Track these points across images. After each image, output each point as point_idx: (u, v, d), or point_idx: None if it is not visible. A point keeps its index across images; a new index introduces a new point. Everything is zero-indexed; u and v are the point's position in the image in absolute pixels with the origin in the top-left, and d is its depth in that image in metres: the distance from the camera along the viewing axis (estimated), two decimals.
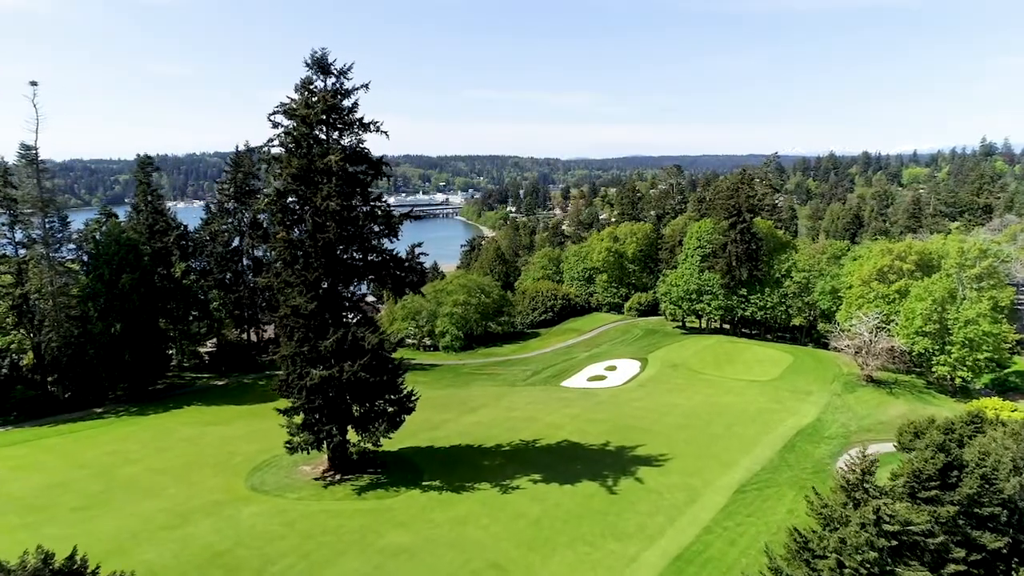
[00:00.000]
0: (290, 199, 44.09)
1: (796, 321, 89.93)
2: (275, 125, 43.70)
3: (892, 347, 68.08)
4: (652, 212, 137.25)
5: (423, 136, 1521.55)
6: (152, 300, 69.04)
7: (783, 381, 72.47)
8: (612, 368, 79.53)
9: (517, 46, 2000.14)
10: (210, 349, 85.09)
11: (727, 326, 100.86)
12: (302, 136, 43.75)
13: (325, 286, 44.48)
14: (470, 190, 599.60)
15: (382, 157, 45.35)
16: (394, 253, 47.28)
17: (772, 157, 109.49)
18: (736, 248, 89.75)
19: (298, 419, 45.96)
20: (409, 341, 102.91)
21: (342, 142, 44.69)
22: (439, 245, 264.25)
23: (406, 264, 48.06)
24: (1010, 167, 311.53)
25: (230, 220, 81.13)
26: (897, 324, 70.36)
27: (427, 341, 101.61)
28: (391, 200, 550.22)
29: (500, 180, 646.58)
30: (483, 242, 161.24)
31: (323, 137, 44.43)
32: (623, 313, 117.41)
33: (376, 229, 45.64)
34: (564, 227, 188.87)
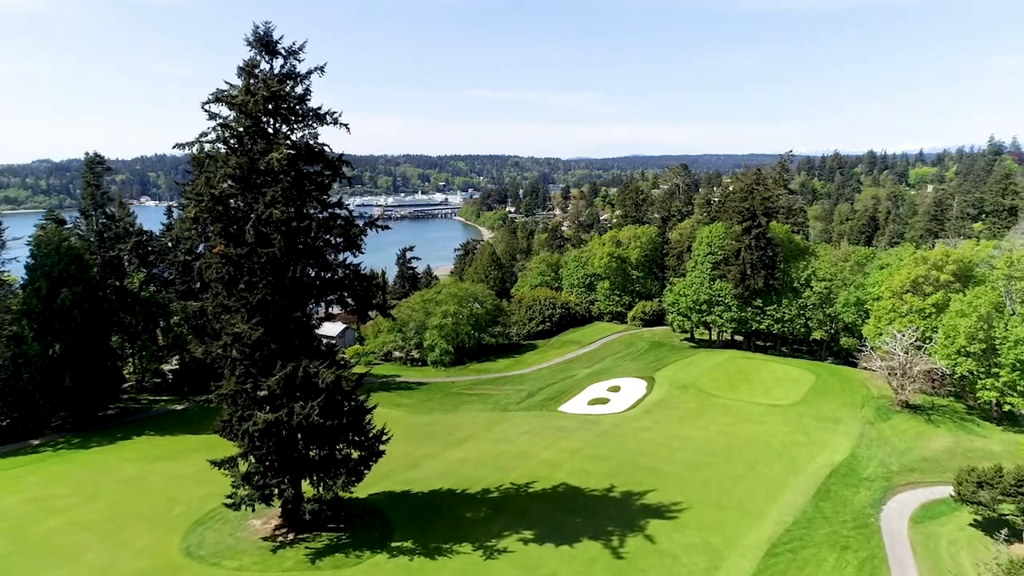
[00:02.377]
0: (231, 205, 36.52)
1: (816, 335, 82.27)
2: (211, 116, 36.14)
3: (931, 369, 60.42)
4: (656, 215, 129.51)
5: (423, 135, 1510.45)
6: (100, 316, 61.49)
7: (807, 406, 64.83)
8: (615, 389, 71.90)
9: (518, 45, 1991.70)
10: (175, 367, 77.56)
11: (739, 337, 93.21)
12: (245, 129, 36.22)
13: (274, 310, 36.89)
14: (470, 190, 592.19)
15: (341, 155, 37.77)
16: (357, 268, 39.68)
17: (786, 156, 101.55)
18: (751, 255, 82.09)
19: (242, 467, 38.54)
20: (396, 355, 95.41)
21: (292, 137, 37.16)
22: (436, 246, 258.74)
23: (373, 282, 40.49)
24: (1020, 166, 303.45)
25: (195, 224, 73.31)
26: (935, 343, 62.66)
27: (415, 354, 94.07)
28: (389, 200, 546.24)
29: (500, 180, 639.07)
30: (478, 246, 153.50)
31: (271, 131, 36.92)
32: (626, 323, 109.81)
33: (334, 241, 38.08)
34: (564, 229, 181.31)
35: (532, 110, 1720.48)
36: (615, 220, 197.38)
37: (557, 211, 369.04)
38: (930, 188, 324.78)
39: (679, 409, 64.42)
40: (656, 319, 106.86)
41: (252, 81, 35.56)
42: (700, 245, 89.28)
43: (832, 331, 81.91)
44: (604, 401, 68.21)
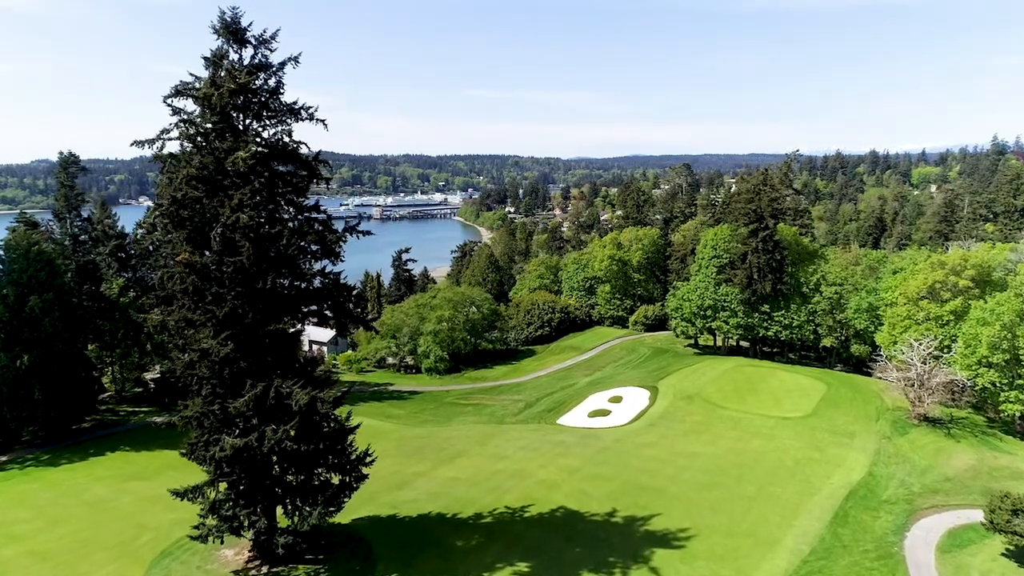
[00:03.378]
0: (196, 209, 33.23)
1: (826, 342, 78.95)
2: (174, 111, 32.90)
3: (952, 380, 57.15)
4: (658, 216, 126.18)
5: (423, 135, 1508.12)
6: (72, 324, 58.23)
7: (819, 418, 61.53)
8: (617, 400, 68.62)
9: (517, 45, 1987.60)
10: (157, 375, 74.28)
11: (744, 343, 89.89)
12: (214, 126, 32.95)
13: (244, 324, 33.61)
14: (469, 190, 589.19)
15: (318, 153, 34.51)
16: (337, 277, 36.38)
17: (792, 155, 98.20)
18: (758, 258, 78.82)
19: (210, 495, 35.27)
20: (390, 361, 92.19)
21: (263, 134, 33.91)
22: (434, 247, 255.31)
23: (354, 292, 37.21)
24: None
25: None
26: (955, 352, 59.39)
27: (409, 360, 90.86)
28: (388, 200, 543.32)
29: (500, 180, 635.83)
30: (475, 247, 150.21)
31: (240, 128, 33.67)
32: (627, 327, 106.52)
33: (312, 248, 34.80)
34: (564, 230, 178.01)
35: (532, 110, 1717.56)
36: (615, 220, 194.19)
37: (557, 211, 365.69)
38: (934, 188, 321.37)
39: (684, 422, 61.13)
40: (658, 324, 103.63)
41: (218, 73, 32.30)
42: (705, 248, 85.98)
43: (843, 338, 78.61)
44: (605, 413, 64.94)
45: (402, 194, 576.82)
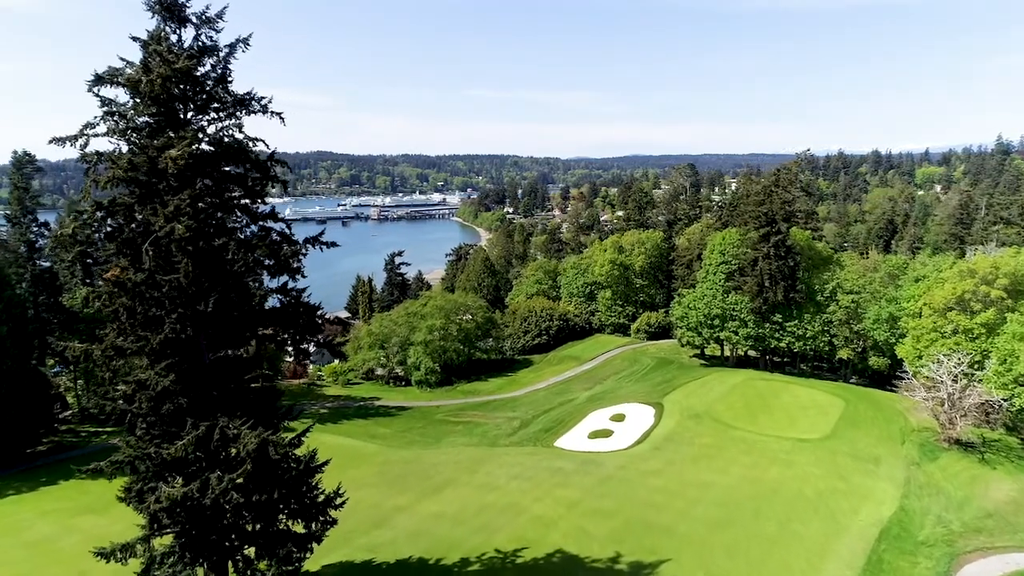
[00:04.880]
0: (129, 217, 28.28)
1: (842, 354, 73.98)
2: (103, 102, 27.92)
3: (986, 401, 52.27)
4: (661, 218, 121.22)
5: (422, 135, 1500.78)
6: (24, 338, 53.23)
7: (839, 440, 56.62)
8: (619, 418, 63.68)
9: (517, 45, 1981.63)
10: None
11: (753, 353, 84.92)
12: (150, 118, 27.98)
13: (186, 352, 28.63)
14: (468, 190, 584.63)
15: (273, 152, 29.52)
16: (299, 295, 31.36)
17: (803, 154, 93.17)
18: (769, 265, 73.87)
19: (142, 552, 30.26)
20: (379, 372, 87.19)
21: (209, 129, 28.94)
22: (432, 248, 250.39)
23: (317, 312, 32.19)
24: None
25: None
26: (988, 369, 54.48)
27: (399, 371, 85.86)
28: (386, 200, 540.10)
29: (499, 180, 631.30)
30: (471, 250, 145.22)
31: (184, 122, 28.69)
32: (629, 335, 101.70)
33: (268, 263, 29.81)
34: (563, 232, 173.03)
35: (531, 109, 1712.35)
36: (615, 221, 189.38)
37: (556, 212, 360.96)
38: (938, 188, 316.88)
39: (693, 445, 56.16)
40: (662, 332, 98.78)
41: (152, 56, 27.32)
42: (712, 253, 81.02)
43: (860, 350, 73.67)
44: (607, 434, 59.98)
45: (400, 194, 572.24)
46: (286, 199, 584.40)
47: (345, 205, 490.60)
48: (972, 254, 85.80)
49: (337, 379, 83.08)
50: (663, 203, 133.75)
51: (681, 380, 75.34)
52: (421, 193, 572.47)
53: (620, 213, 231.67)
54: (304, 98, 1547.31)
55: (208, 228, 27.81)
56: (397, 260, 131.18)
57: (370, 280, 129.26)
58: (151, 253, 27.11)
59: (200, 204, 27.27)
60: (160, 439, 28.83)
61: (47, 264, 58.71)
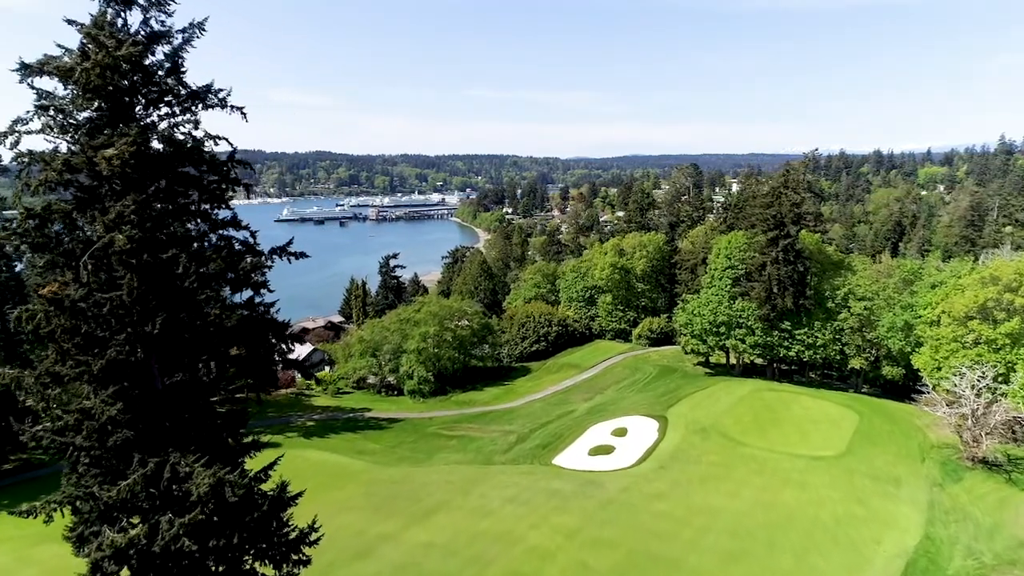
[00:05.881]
0: (67, 225, 24.95)
1: (855, 363, 70.64)
2: (39, 95, 24.57)
3: (1013, 418, 48.96)
4: (663, 219, 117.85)
5: (421, 135, 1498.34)
6: None
7: (856, 458, 53.26)
8: (621, 432, 60.33)
9: (517, 45, 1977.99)
10: None
11: (760, 361, 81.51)
12: (93, 113, 24.62)
13: (133, 378, 25.29)
14: (467, 190, 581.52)
15: (233, 151, 26.11)
16: (265, 310, 27.98)
17: (811, 154, 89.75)
18: (778, 270, 70.56)
19: None
20: (371, 381, 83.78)
21: (161, 126, 25.58)
22: (429, 249, 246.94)
23: (286, 330, 28.82)
24: None
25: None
26: (1015, 383, 51.20)
27: (391, 380, 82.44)
28: (385, 200, 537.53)
29: (498, 180, 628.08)
30: (468, 253, 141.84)
31: (134, 117, 25.34)
32: (630, 341, 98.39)
33: (230, 276, 26.45)
34: (562, 233, 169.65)
35: (531, 109, 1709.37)
36: (615, 221, 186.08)
37: (556, 212, 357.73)
38: (941, 188, 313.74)
39: (700, 464, 52.80)
40: (664, 338, 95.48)
41: (90, 41, 23.97)
42: (718, 257, 77.67)
43: (872, 359, 70.34)
44: (608, 450, 56.61)
45: (399, 194, 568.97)
46: (284, 199, 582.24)
47: (343, 205, 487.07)
48: (987, 258, 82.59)
49: (327, 388, 79.73)
50: (665, 204, 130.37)
51: (685, 390, 71.97)
52: (420, 193, 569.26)
53: (620, 213, 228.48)
54: (304, 98, 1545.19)
55: (157, 238, 24.43)
56: (392, 263, 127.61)
57: (364, 283, 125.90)
58: (90, 267, 23.80)
59: (148, 211, 23.95)
60: (105, 476, 25.50)
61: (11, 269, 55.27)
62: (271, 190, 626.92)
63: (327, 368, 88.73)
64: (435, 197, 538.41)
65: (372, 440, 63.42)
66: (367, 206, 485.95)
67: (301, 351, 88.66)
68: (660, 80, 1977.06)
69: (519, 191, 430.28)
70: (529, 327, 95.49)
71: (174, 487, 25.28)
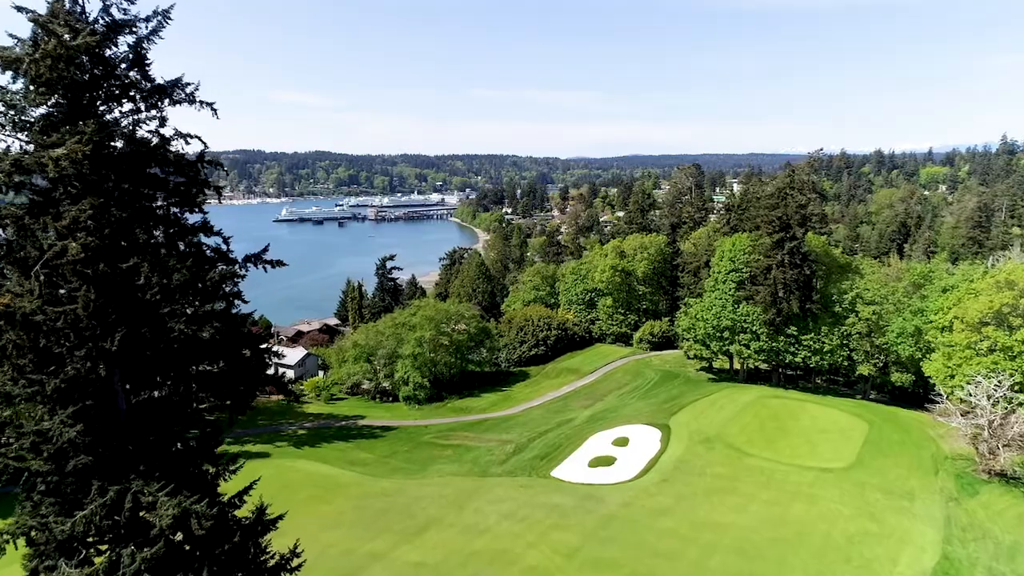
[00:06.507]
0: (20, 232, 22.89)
1: (863, 369, 68.57)
2: None
3: None
4: (665, 220, 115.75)
5: (421, 135, 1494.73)
6: None
7: (866, 470, 51.21)
8: (622, 442, 58.28)
9: (517, 44, 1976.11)
10: None
11: (764, 366, 79.40)
12: (51, 109, 22.58)
13: (93, 397, 23.23)
14: (467, 190, 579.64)
15: (202, 153, 24.02)
16: (242, 322, 25.95)
17: (815, 154, 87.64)
18: (783, 273, 68.52)
19: None
20: (365, 386, 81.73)
21: (123, 123, 23.51)
22: (428, 250, 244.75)
23: (262, 344, 26.77)
24: None
25: None
26: None
27: (386, 385, 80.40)
28: (384, 200, 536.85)
29: (498, 180, 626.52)
30: (465, 255, 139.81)
31: (96, 113, 23.27)
32: (631, 345, 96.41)
33: (198, 287, 24.39)
34: (562, 235, 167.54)
35: (531, 109, 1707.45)
36: (615, 222, 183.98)
37: (555, 212, 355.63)
38: (943, 188, 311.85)
39: (705, 476, 50.75)
40: (666, 342, 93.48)
41: (42, 30, 21.92)
42: (721, 260, 75.58)
43: (881, 365, 68.27)
44: (609, 462, 54.55)
45: (399, 194, 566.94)
46: (283, 199, 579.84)
47: (342, 205, 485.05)
48: (997, 261, 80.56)
49: (320, 395, 77.68)
50: (666, 205, 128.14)
51: (688, 397, 69.94)
52: (419, 193, 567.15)
53: (620, 214, 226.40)
54: (303, 98, 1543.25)
55: (117, 246, 22.37)
56: (389, 264, 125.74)
57: (360, 285, 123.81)
58: (42, 278, 21.74)
59: (107, 216, 21.90)
60: (63, 505, 23.44)
61: None
62: (270, 190, 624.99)
63: (321, 373, 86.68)
64: (434, 197, 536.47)
65: (365, 449, 61.38)
66: (366, 206, 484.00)
67: (295, 355, 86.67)
68: (660, 80, 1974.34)
69: (519, 191, 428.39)
70: (528, 331, 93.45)
71: (139, 517, 23.23)
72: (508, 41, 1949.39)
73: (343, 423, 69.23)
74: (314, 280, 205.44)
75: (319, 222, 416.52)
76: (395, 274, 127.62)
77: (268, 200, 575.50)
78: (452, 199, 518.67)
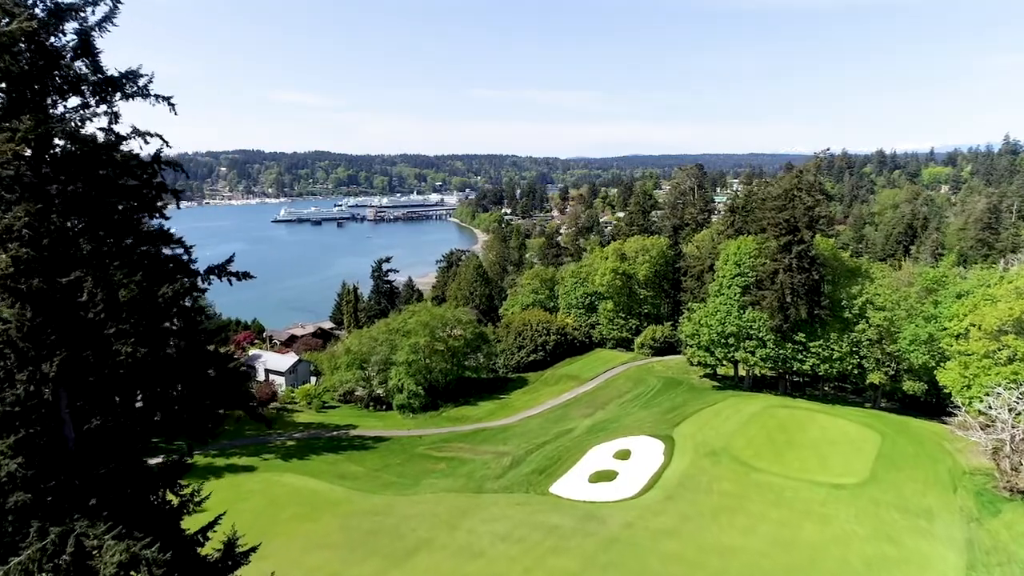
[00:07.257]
0: None
1: (873, 378, 66.11)
2: None
3: None
4: (667, 222, 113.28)
5: (420, 135, 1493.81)
6: None
7: (880, 487, 48.73)
8: (624, 455, 55.82)
9: (517, 45, 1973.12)
10: None
11: (770, 373, 76.94)
12: None
13: (36, 427, 20.77)
14: (467, 190, 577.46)
15: (158, 153, 21.56)
16: (207, 340, 23.50)
17: (821, 154, 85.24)
18: (791, 278, 66.07)
19: None
20: (358, 394, 79.26)
21: (73, 120, 21.07)
22: (427, 250, 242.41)
23: (231, 364, 24.31)
24: None
25: None
26: None
27: (379, 393, 77.90)
28: (383, 201, 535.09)
29: (498, 180, 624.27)
30: (462, 257, 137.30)
31: (43, 109, 20.82)
32: (632, 351, 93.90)
33: (149, 304, 21.91)
34: (561, 236, 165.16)
35: (531, 109, 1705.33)
36: (616, 222, 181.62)
37: (555, 213, 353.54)
38: (945, 188, 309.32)
39: (711, 493, 48.26)
40: (668, 347, 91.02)
41: None
42: (726, 264, 73.11)
43: (893, 373, 65.82)
44: (610, 476, 52.07)
45: (398, 194, 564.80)
46: (282, 199, 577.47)
47: (341, 206, 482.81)
48: (1011, 264, 78.09)
49: (311, 403, 75.19)
50: (667, 206, 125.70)
51: (692, 406, 67.44)
52: (419, 193, 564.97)
53: (620, 214, 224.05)
54: (303, 98, 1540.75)
55: (56, 257, 19.90)
56: (385, 266, 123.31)
57: (356, 288, 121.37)
58: None
59: (46, 224, 19.46)
60: (3, 546, 21.01)
61: None
62: (269, 190, 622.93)
63: (313, 379, 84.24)
64: (434, 197, 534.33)
65: (356, 462, 58.90)
66: (365, 206, 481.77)
67: (286, 361, 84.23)
68: (660, 80, 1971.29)
69: (518, 191, 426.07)
70: (526, 335, 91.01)
71: (84, 563, 20.70)
72: (508, 41, 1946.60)
73: (334, 433, 66.76)
74: (311, 282, 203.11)
75: (318, 222, 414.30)
76: (391, 276, 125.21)
77: (267, 200, 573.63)
78: (451, 199, 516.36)
